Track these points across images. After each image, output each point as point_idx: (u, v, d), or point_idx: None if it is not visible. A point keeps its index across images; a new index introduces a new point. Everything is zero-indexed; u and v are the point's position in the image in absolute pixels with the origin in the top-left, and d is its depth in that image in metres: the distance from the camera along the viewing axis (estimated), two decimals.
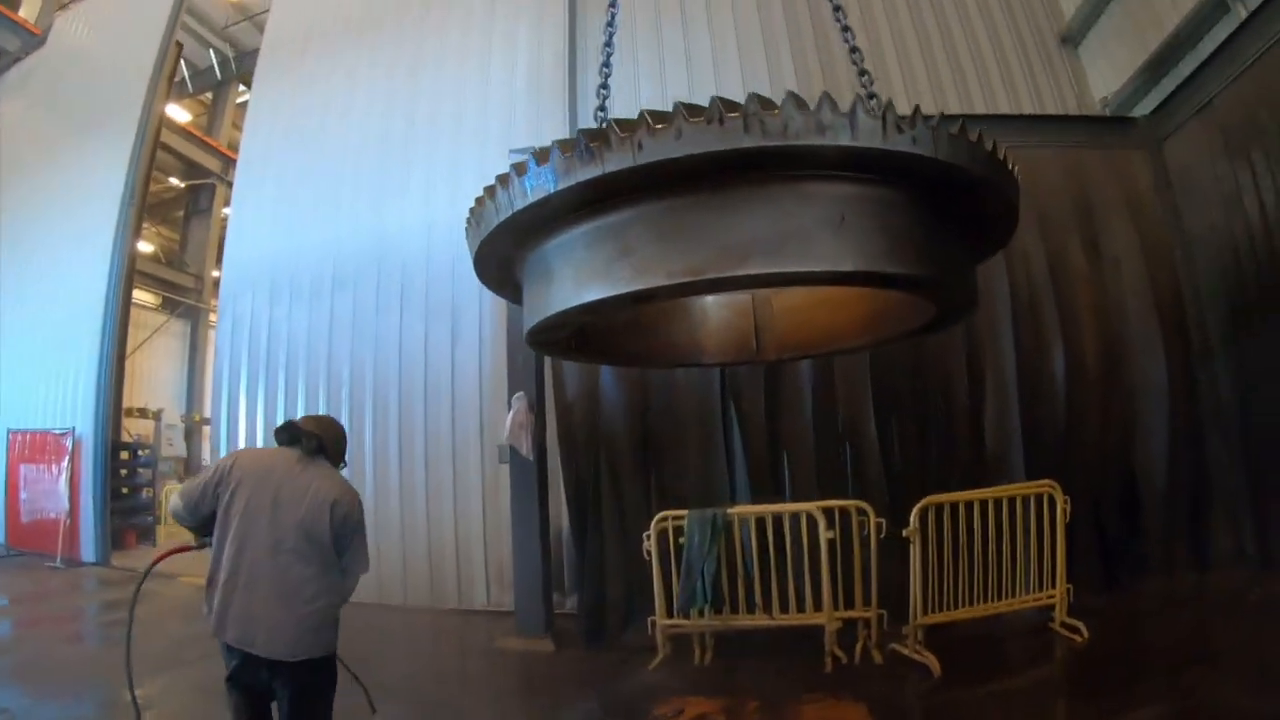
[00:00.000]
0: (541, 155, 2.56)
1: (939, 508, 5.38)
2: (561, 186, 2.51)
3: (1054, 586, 5.46)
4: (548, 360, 6.64)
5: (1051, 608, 5.46)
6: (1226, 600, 5.62)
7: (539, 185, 2.57)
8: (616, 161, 2.40)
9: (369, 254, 7.82)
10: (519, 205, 2.68)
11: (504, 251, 3.13)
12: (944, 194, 2.70)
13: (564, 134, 7.71)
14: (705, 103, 2.37)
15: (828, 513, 5.43)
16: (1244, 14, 6.10)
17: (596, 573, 6.36)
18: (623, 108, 3.47)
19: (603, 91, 3.79)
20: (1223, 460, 6.33)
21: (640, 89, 8.27)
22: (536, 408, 6.52)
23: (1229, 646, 4.84)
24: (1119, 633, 5.29)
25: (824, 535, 5.35)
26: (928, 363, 6.56)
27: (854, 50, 3.84)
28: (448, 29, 8.54)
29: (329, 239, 8.08)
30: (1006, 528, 5.43)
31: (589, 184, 2.46)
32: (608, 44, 4.11)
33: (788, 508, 5.62)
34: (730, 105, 2.36)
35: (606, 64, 3.97)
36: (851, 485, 6.38)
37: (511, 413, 6.45)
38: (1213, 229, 6.56)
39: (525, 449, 6.39)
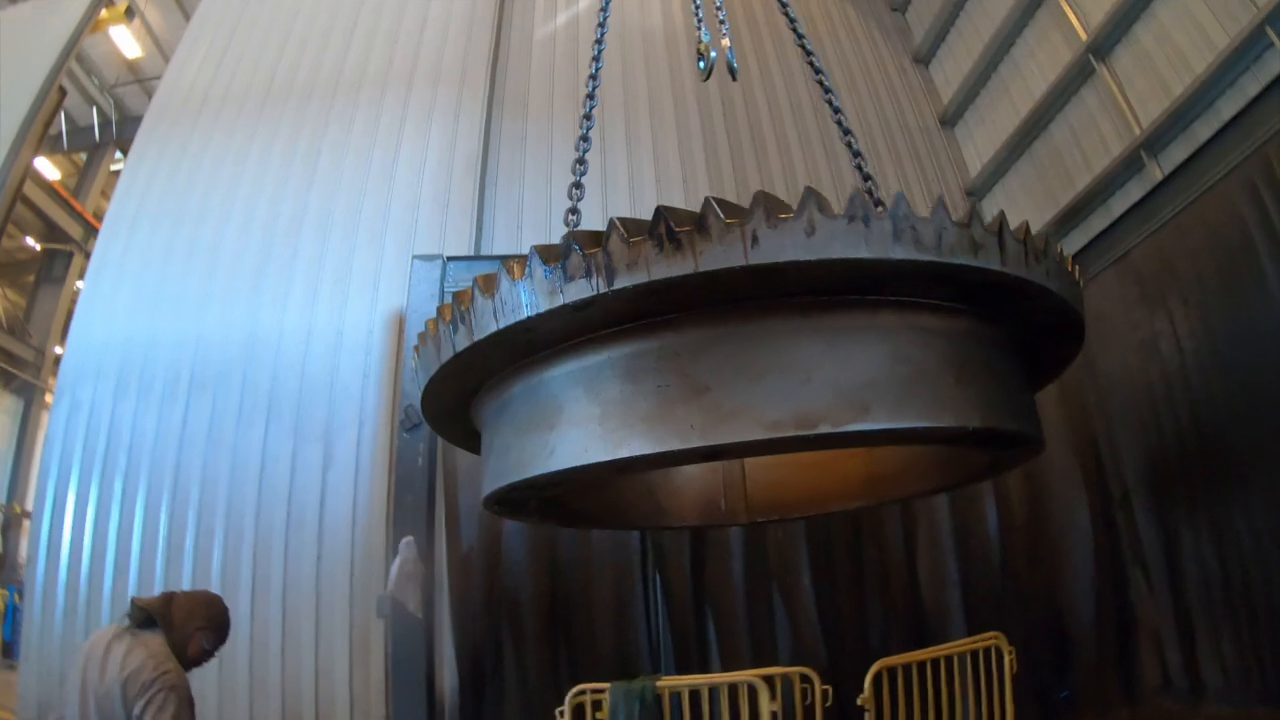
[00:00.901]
0: (589, 240, 1.88)
1: (892, 670, 4.88)
2: (619, 286, 1.80)
3: None
4: (439, 500, 5.89)
5: None
6: None
7: (572, 284, 1.85)
8: (718, 258, 1.76)
9: (236, 356, 6.80)
10: (526, 311, 1.94)
11: (478, 379, 2.48)
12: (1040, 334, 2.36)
13: (469, 249, 7.16)
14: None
15: (769, 681, 4.77)
16: (1160, 175, 6.27)
17: None
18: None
19: (575, 192, 3.38)
20: (1145, 596, 6.19)
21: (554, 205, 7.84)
22: (427, 557, 5.67)
23: None
24: None
25: (766, 708, 4.68)
26: (862, 516, 6.23)
27: (856, 155, 3.77)
28: (354, 118, 7.82)
29: (192, 333, 7.00)
30: (958, 685, 5.02)
31: (663, 286, 1.80)
32: (584, 137, 3.74)
33: (724, 677, 4.93)
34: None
35: (582, 160, 3.63)
36: (785, 649, 5.85)
37: (398, 560, 5.59)
38: (1128, 374, 6.56)
39: (413, 604, 5.52)
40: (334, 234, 7.20)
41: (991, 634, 5.22)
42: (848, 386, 1.94)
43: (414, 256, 6.62)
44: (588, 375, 2.11)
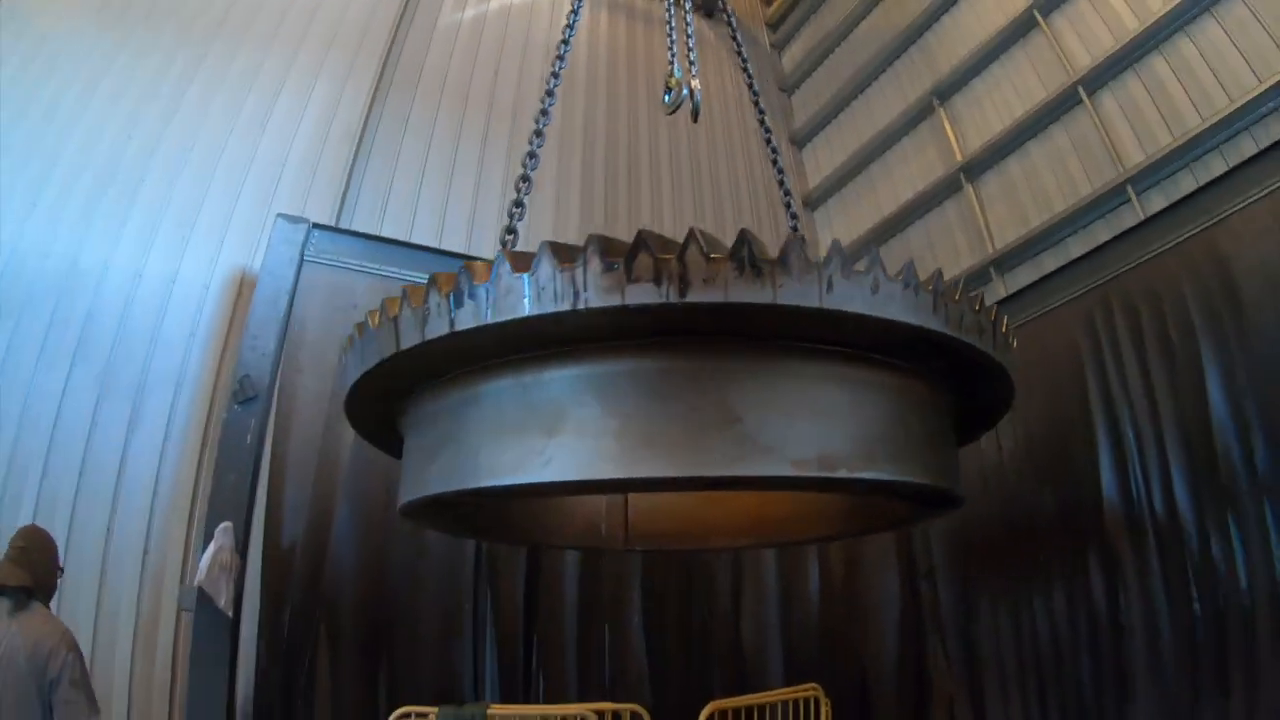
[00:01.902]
0: (626, 251, 1.80)
1: (724, 713, 4.88)
2: (691, 300, 1.76)
3: None
4: (261, 487, 5.31)
5: None
6: None
7: (636, 286, 1.78)
8: (795, 295, 1.78)
9: (50, 284, 5.75)
10: (569, 302, 1.84)
11: (441, 368, 2.32)
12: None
13: (331, 220, 6.63)
14: None
15: (601, 716, 4.61)
16: (1004, 291, 7.02)
17: None
18: None
19: (515, 210, 3.22)
20: (942, 663, 6.68)
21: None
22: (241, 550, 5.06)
23: None
24: None
25: None
26: (696, 564, 6.37)
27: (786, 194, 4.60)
28: (236, 57, 7.02)
29: (5, 245, 5.85)
30: None
31: (733, 310, 1.80)
32: (532, 154, 3.70)
33: (558, 709, 4.79)
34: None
35: (526, 177, 3.57)
36: (610, 685, 5.71)
37: (213, 548, 4.86)
38: None
39: (224, 599, 4.81)
40: (186, 175, 6.38)
41: (811, 685, 5.43)
42: (863, 438, 2.07)
43: (278, 215, 6.01)
44: (607, 383, 2.00)
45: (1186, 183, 5.74)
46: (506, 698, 5.28)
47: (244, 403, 5.46)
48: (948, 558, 6.89)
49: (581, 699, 5.25)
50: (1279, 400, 4.85)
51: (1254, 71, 5.37)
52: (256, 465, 5.36)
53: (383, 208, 7.37)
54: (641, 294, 1.78)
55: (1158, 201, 5.94)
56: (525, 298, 1.86)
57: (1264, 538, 4.80)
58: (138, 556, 5.38)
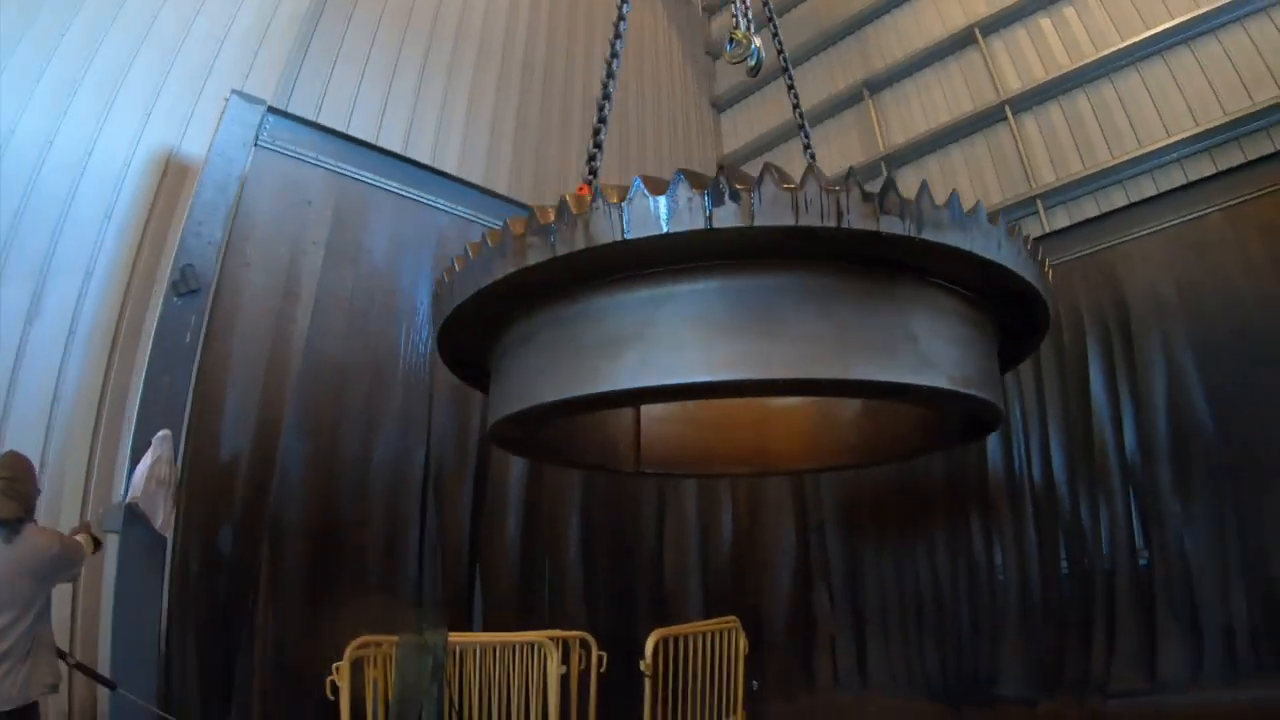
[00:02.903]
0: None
1: (665, 640, 5.19)
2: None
3: (735, 714, 5.56)
4: (190, 392, 4.76)
5: None
6: (846, 713, 6.75)
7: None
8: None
9: None
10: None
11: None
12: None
13: (271, 99, 5.98)
14: None
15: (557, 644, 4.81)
16: None
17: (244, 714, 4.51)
18: None
19: (595, 150, 3.74)
20: (826, 606, 7.41)
21: None
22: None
23: None
24: None
25: (554, 670, 4.67)
26: (626, 499, 6.64)
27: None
28: None
29: None
30: (707, 659, 5.45)
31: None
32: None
33: (515, 637, 4.81)
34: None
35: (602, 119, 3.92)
36: (548, 613, 5.84)
37: (149, 460, 4.25)
38: None
39: (162, 518, 4.26)
40: (114, 34, 5.51)
41: (731, 618, 5.82)
42: (978, 366, 2.60)
43: (233, 91, 5.36)
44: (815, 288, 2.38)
45: (1089, 207, 6.69)
46: (449, 622, 5.20)
47: (185, 295, 4.87)
48: (838, 512, 7.62)
49: (522, 625, 5.27)
50: (1150, 405, 5.87)
51: (1164, 125, 6.36)
52: (196, 367, 4.85)
53: (319, 103, 6.74)
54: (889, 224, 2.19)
55: (1062, 219, 6.85)
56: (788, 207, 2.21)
57: (1126, 513, 5.86)
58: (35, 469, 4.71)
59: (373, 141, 6.16)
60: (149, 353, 4.77)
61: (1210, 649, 5.32)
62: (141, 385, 4.71)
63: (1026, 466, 6.50)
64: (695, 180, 2.31)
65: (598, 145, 3.77)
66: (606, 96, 3.91)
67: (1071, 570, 6.08)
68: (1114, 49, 6.70)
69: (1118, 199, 6.48)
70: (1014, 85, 7.42)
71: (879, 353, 2.41)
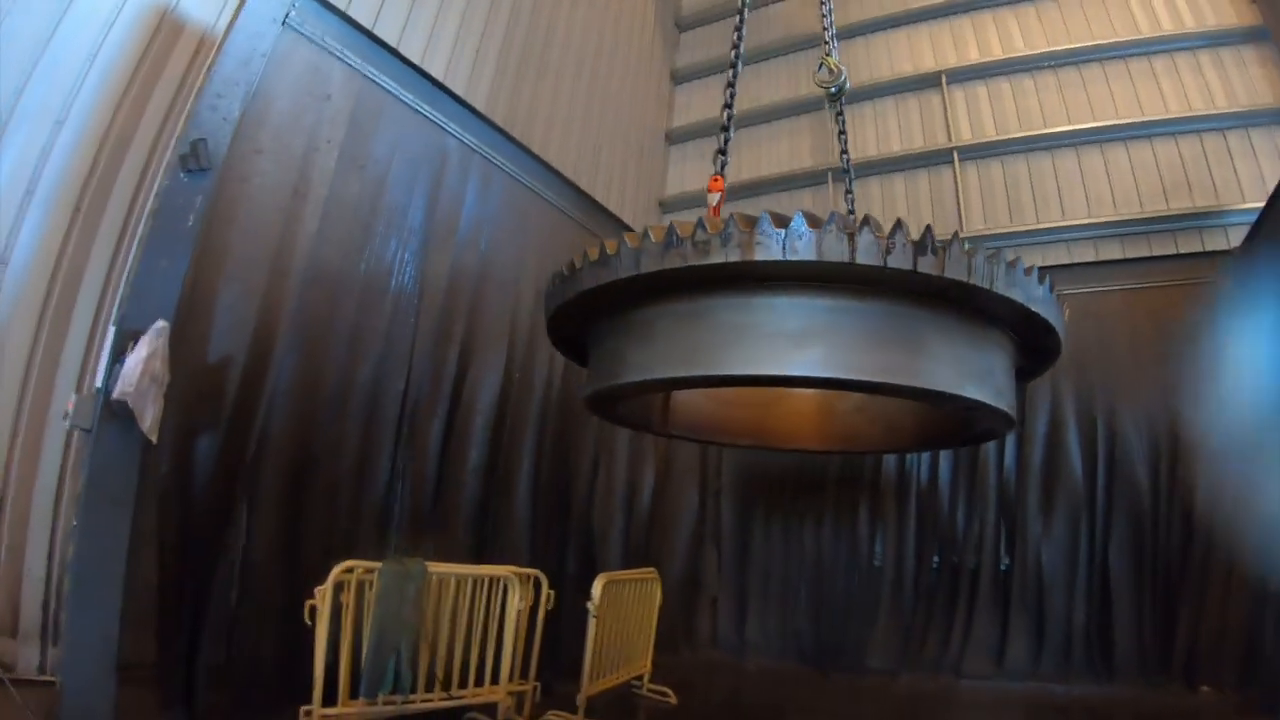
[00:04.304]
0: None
1: (611, 584, 5.60)
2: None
3: (645, 663, 6.17)
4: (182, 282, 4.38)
5: (640, 677, 6.14)
6: (725, 671, 7.39)
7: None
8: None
9: None
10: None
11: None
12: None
13: None
14: None
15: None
16: None
17: (219, 634, 4.38)
18: None
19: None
20: (713, 569, 8.18)
21: None
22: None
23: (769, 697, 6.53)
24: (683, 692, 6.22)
25: (515, 602, 5.02)
26: (568, 453, 7.02)
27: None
28: None
29: None
30: (633, 605, 5.95)
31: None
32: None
33: (485, 570, 5.08)
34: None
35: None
36: (496, 542, 6.10)
37: (144, 353, 3.83)
38: None
39: (150, 419, 3.84)
40: None
41: (651, 569, 6.42)
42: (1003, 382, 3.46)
43: None
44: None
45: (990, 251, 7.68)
46: (410, 545, 5.23)
47: (193, 173, 4.48)
48: (737, 481, 8.37)
49: (473, 559, 5.52)
50: (1031, 438, 6.99)
51: (1088, 206, 7.42)
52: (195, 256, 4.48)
53: None
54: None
55: None
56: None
57: (996, 524, 7.00)
58: None
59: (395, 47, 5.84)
60: (144, 231, 4.31)
61: (1051, 647, 6.58)
62: (128, 266, 4.30)
63: (916, 469, 7.51)
64: (812, 220, 3.03)
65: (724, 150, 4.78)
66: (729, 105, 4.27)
67: (942, 564, 7.20)
68: (1060, 129, 7.68)
69: (1035, 259, 7.44)
70: (965, 135, 8.26)
71: (949, 370, 3.23)
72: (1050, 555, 6.72)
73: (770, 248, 2.92)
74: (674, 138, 10.66)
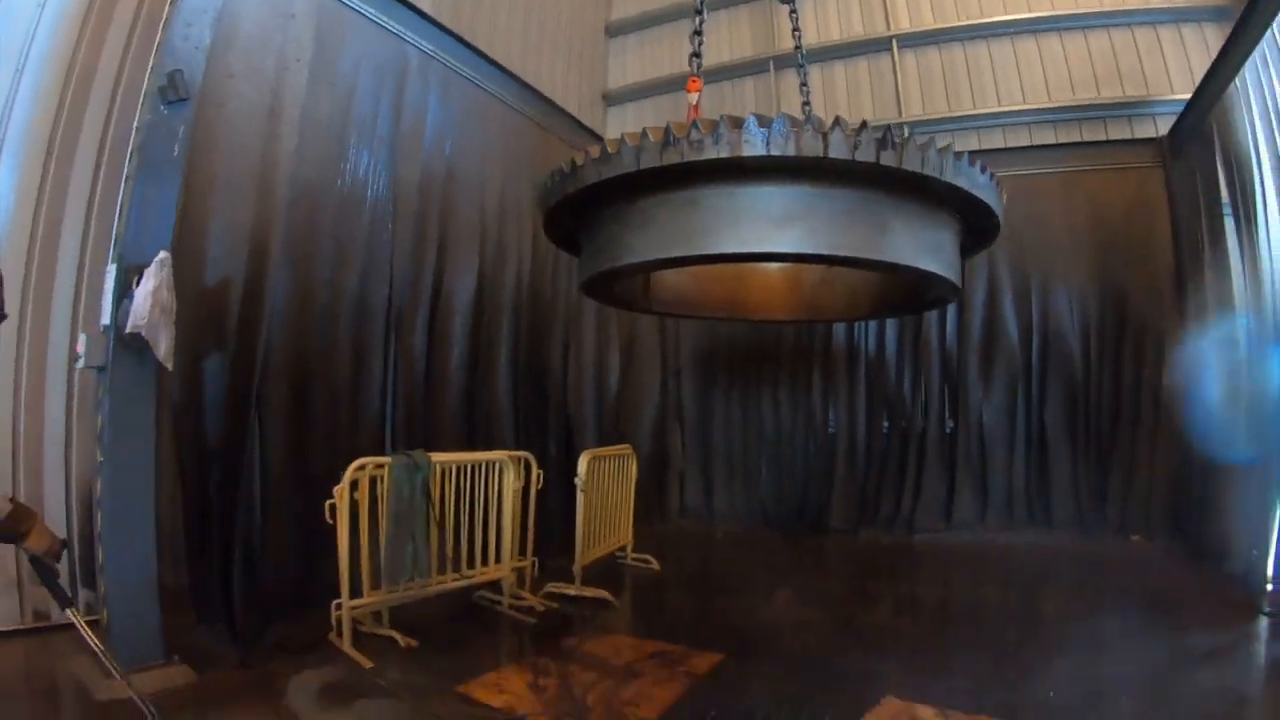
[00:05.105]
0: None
1: (594, 460, 6.10)
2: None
3: (627, 534, 6.75)
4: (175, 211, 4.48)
5: (624, 547, 6.74)
6: (698, 538, 8.08)
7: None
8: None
9: None
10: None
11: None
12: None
13: None
14: None
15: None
16: None
17: (248, 547, 4.70)
18: None
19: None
20: (678, 445, 8.85)
21: None
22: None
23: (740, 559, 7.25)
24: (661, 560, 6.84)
25: (510, 483, 5.49)
26: (541, 341, 7.41)
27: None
28: None
29: None
30: (613, 480, 6.47)
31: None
32: None
33: (482, 456, 5.51)
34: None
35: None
36: (486, 430, 6.55)
37: (151, 285, 3.90)
38: None
39: (165, 348, 3.94)
40: None
41: (626, 445, 6.98)
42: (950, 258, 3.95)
43: None
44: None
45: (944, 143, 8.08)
46: (406, 442, 5.66)
47: (172, 104, 4.53)
48: (695, 360, 8.93)
49: (465, 447, 5.86)
50: (971, 308, 7.59)
51: (1023, 93, 7.82)
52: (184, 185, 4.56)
53: None
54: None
55: None
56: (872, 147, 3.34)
57: (940, 389, 7.69)
58: None
59: None
60: (132, 167, 4.23)
61: (995, 502, 7.42)
62: (119, 201, 4.25)
63: (864, 340, 8.11)
64: (793, 122, 3.42)
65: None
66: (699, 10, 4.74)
67: (891, 429, 7.91)
68: (997, 19, 7.95)
69: (971, 143, 7.92)
70: (904, 24, 8.48)
71: (907, 245, 3.70)
72: (991, 418, 7.47)
73: (756, 145, 3.34)
74: (613, 30, 10.60)
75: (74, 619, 2.69)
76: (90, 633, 2.69)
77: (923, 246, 3.78)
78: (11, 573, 4.14)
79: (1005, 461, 7.41)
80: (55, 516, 4.37)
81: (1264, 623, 4.41)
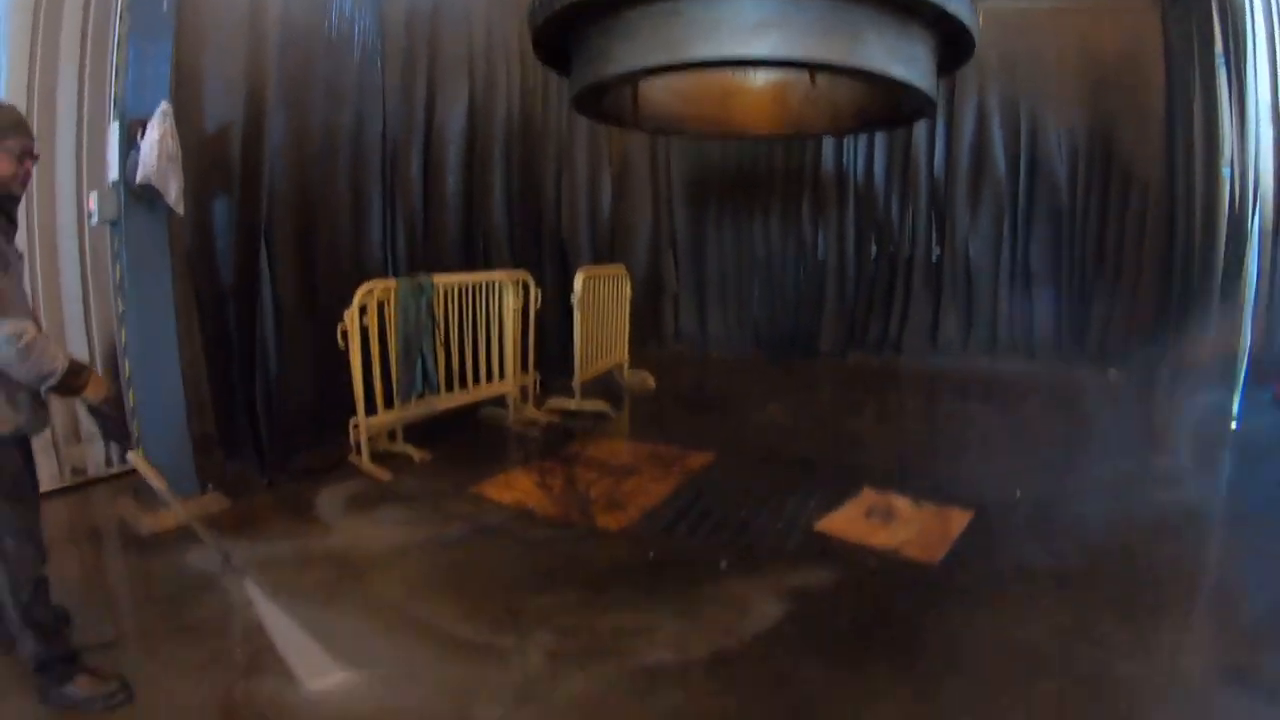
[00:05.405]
0: None
1: (589, 278, 6.40)
2: None
3: (623, 353, 7.15)
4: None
5: (620, 365, 7.14)
6: (692, 360, 8.60)
7: None
8: None
9: None
10: None
11: None
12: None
13: None
14: None
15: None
16: None
17: (267, 379, 4.90)
18: None
19: None
20: (671, 269, 9.08)
21: None
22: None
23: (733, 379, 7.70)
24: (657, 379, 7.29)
25: (511, 302, 5.81)
26: (533, 163, 7.40)
27: None
28: None
29: None
30: (608, 298, 6.77)
31: None
32: None
33: (483, 276, 5.79)
34: None
35: None
36: (484, 251, 6.71)
37: (155, 134, 3.91)
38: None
39: (174, 194, 3.99)
40: None
41: (620, 265, 7.23)
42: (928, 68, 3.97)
43: None
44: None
45: None
46: (409, 270, 5.78)
47: None
48: (686, 188, 8.99)
49: (464, 270, 6.01)
50: (959, 137, 7.56)
51: None
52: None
53: None
54: None
55: None
56: None
57: (928, 217, 7.80)
58: None
59: None
60: (123, 29, 4.04)
61: (979, 327, 7.72)
62: (113, 58, 4.25)
63: (854, 166, 8.13)
64: None
65: None
66: None
67: (879, 255, 8.10)
68: None
69: None
70: None
71: (881, 54, 3.73)
72: (977, 246, 7.62)
73: None
74: None
75: (136, 461, 2.84)
76: (150, 470, 2.83)
77: (896, 57, 3.81)
78: (47, 435, 4.31)
79: (990, 290, 7.63)
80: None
81: (1226, 455, 4.72)
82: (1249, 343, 5.01)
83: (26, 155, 2.42)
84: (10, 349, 2.22)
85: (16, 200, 2.47)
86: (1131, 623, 2.83)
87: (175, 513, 3.16)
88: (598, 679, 2.60)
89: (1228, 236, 5.37)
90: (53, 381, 2.36)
